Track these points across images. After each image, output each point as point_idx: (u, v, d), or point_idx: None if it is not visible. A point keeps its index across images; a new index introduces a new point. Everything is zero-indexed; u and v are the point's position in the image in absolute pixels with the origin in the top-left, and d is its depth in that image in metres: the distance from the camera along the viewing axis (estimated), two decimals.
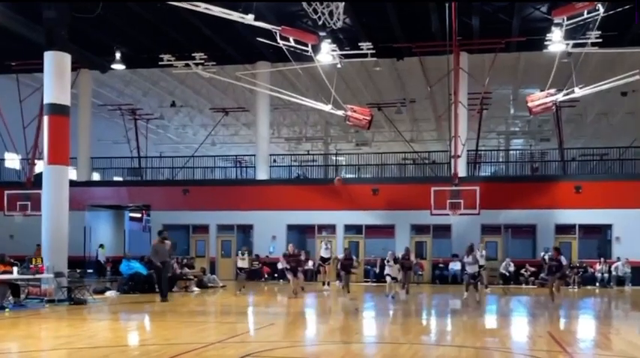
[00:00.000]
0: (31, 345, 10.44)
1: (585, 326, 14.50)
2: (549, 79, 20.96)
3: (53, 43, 19.32)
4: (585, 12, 17.75)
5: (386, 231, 28.42)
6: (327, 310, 17.76)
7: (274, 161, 34.79)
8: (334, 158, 38.71)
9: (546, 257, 26.27)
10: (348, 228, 29.24)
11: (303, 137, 41.81)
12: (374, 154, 33.99)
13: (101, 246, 31.47)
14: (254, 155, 31.70)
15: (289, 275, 21.23)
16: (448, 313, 15.93)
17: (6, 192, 26.66)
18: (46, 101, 19.69)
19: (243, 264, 22.48)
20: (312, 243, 30.13)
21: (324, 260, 24.86)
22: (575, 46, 20.47)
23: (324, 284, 24.58)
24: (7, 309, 15.27)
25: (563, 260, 18.95)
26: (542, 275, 24.66)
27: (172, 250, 20.08)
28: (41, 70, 20.19)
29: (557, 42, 20.36)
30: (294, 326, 13.17)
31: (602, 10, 17.64)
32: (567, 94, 21.17)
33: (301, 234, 30.76)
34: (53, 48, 19.32)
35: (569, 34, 19.85)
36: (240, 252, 23.09)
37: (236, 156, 37.03)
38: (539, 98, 21.48)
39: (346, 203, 28.30)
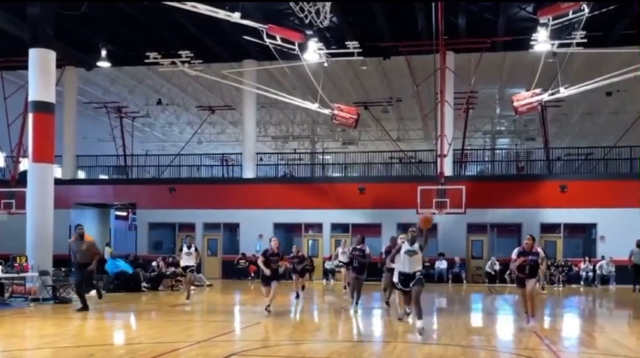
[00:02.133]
0: (15, 344, 10.36)
1: (570, 325, 14.61)
2: (535, 78, 21.08)
3: (38, 40, 19.18)
4: (571, 12, 17.88)
5: (372, 229, 28.43)
6: (313, 309, 17.77)
7: (261, 159, 34.69)
8: (321, 157, 38.70)
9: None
10: (335, 227, 29.25)
11: (289, 135, 41.79)
12: (360, 153, 34.02)
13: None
14: (240, 153, 31.62)
15: (295, 276, 20.40)
16: (434, 311, 15.99)
17: None
18: (30, 98, 19.55)
19: (189, 261, 17.66)
20: (299, 242, 30.11)
21: (342, 264, 21.14)
22: (560, 46, 20.60)
23: (346, 288, 19.57)
24: None
25: (541, 252, 13.48)
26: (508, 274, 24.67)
27: (95, 249, 15.74)
28: (26, 67, 20.05)
29: (542, 42, 20.48)
30: (280, 324, 13.17)
31: (587, 10, 17.78)
32: (553, 94, 21.29)
33: (288, 232, 30.72)
34: (38, 45, 19.18)
35: (555, 34, 19.98)
36: (184, 245, 18.12)
37: (222, 154, 36.93)
38: (524, 98, 21.59)
39: (333, 202, 28.31)
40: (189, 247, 17.82)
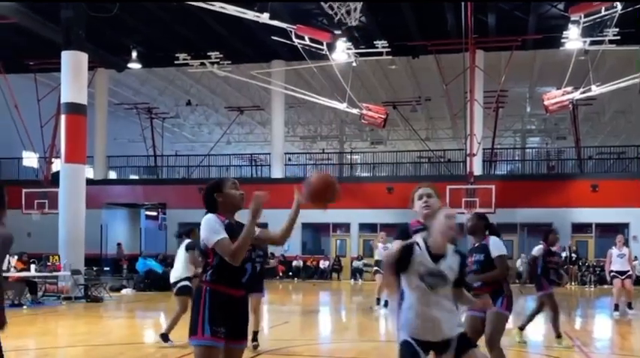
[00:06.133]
0: (47, 342, 10.53)
1: (602, 326, 14.39)
2: (566, 76, 20.82)
3: (70, 43, 19.48)
4: (603, 9, 17.63)
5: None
6: (341, 308, 17.77)
7: (289, 159, 34.81)
8: (349, 156, 38.67)
9: (563, 255, 26.17)
10: (363, 227, 29.21)
11: (318, 135, 41.81)
12: (389, 153, 33.92)
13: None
14: (269, 153, 31.73)
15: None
16: (464, 311, 15.87)
17: (24, 190, 26.84)
18: (63, 100, 19.87)
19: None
20: (327, 242, 30.15)
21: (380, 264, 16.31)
22: (592, 43, 20.33)
23: (378, 302, 15.63)
24: (24, 306, 15.42)
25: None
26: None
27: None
28: (59, 70, 20.37)
29: (574, 39, 20.23)
30: (308, 324, 13.18)
31: (619, 7, 17.51)
32: (584, 92, 21.02)
33: (316, 232, 30.77)
34: (70, 47, 19.49)
35: (587, 32, 19.71)
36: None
37: (251, 154, 37.11)
38: (555, 96, 21.36)
39: (361, 201, 28.26)
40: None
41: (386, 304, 15.39)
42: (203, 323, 4.17)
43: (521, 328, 10.29)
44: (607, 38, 19.87)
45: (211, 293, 4.23)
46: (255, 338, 9.04)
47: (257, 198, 4.18)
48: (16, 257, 17.30)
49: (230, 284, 4.27)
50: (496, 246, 6.44)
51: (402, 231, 4.66)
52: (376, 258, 16.45)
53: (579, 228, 27.16)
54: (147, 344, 10.77)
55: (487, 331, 6.28)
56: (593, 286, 25.26)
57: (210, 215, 4.30)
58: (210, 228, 4.20)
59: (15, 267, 16.62)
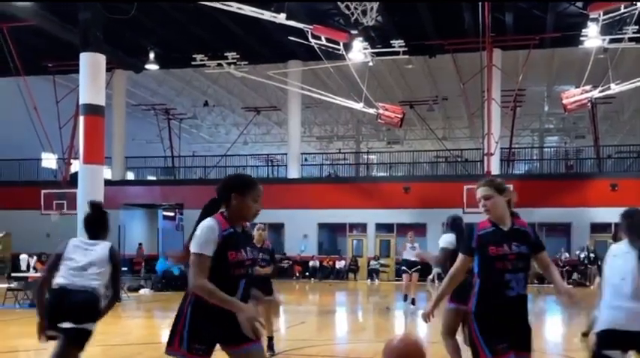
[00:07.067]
0: None
1: None
2: (585, 75, 20.62)
3: (88, 44, 19.63)
4: (622, 6, 17.45)
5: (417, 229, 28.19)
6: (357, 309, 17.74)
7: (305, 159, 34.82)
8: (365, 156, 38.61)
9: (582, 255, 25.94)
10: (379, 227, 29.14)
11: (334, 135, 41.79)
12: (405, 152, 33.81)
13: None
14: (285, 154, 31.76)
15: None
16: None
17: (43, 191, 27.10)
18: (81, 101, 20.02)
19: None
20: (344, 242, 30.09)
21: (409, 265, 15.92)
22: (611, 41, 20.13)
23: (405, 299, 16.25)
24: None
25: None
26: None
27: None
28: (77, 71, 20.54)
29: (592, 37, 20.04)
30: (325, 324, 13.17)
31: (639, 4, 17.32)
32: (603, 91, 20.81)
33: (332, 232, 30.75)
34: (88, 49, 19.64)
35: (606, 30, 19.53)
36: None
37: (268, 154, 37.17)
38: (574, 95, 21.18)
39: (377, 201, 28.20)
40: None
41: (413, 302, 15.59)
42: (181, 336, 3.70)
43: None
44: (626, 36, 19.67)
45: (195, 304, 3.70)
46: (270, 346, 8.41)
47: (252, 316, 3.56)
48: (35, 257, 17.47)
49: None
50: (444, 240, 7.00)
51: (468, 236, 4.44)
52: (404, 257, 16.17)
53: (598, 227, 26.87)
54: (164, 343, 10.80)
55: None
56: None
57: (213, 222, 3.73)
58: (205, 238, 3.68)
59: (35, 268, 16.78)
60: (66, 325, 4.97)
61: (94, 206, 5.43)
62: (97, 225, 5.31)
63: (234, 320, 3.66)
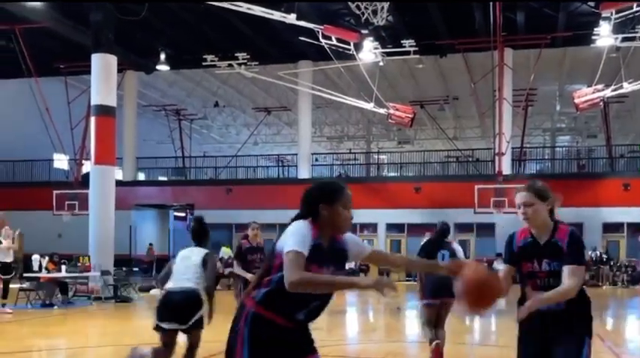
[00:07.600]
0: (78, 341, 10.65)
1: (634, 327, 14.14)
2: (597, 74, 20.50)
3: (100, 46, 19.75)
4: (635, 5, 17.34)
5: (428, 229, 28.14)
6: (368, 309, 17.70)
7: (316, 160, 34.80)
8: (376, 156, 38.56)
9: (593, 255, 25.77)
10: (390, 227, 29.09)
11: (345, 135, 41.77)
12: (416, 152, 33.74)
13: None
14: (296, 154, 31.77)
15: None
16: (494, 312, 15.70)
17: (54, 192, 27.23)
18: (93, 102, 20.13)
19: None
20: None
21: None
22: (624, 40, 19.99)
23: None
24: (55, 307, 15.62)
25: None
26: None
27: None
28: (88, 72, 20.65)
29: (604, 36, 19.91)
30: (336, 324, 13.15)
31: None
32: (615, 90, 20.69)
33: None
34: (100, 50, 19.75)
35: (618, 28, 19.39)
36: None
37: (278, 155, 37.18)
38: (586, 94, 21.08)
39: (388, 201, 28.15)
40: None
41: None
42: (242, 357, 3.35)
43: None
44: (639, 34, 19.53)
45: (253, 321, 3.35)
46: None
47: (390, 285, 3.18)
48: (47, 258, 17.57)
49: (281, 313, 3.32)
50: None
51: (507, 243, 4.15)
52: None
53: (610, 227, 26.74)
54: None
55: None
56: (624, 286, 24.86)
57: (305, 222, 3.37)
58: (300, 235, 3.29)
59: (46, 268, 16.88)
60: None
61: (197, 220, 6.92)
62: (200, 234, 6.83)
63: (295, 335, 3.39)
